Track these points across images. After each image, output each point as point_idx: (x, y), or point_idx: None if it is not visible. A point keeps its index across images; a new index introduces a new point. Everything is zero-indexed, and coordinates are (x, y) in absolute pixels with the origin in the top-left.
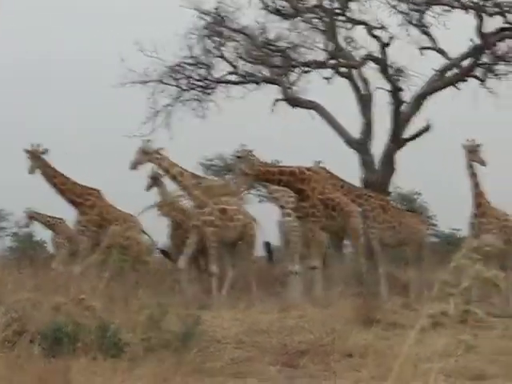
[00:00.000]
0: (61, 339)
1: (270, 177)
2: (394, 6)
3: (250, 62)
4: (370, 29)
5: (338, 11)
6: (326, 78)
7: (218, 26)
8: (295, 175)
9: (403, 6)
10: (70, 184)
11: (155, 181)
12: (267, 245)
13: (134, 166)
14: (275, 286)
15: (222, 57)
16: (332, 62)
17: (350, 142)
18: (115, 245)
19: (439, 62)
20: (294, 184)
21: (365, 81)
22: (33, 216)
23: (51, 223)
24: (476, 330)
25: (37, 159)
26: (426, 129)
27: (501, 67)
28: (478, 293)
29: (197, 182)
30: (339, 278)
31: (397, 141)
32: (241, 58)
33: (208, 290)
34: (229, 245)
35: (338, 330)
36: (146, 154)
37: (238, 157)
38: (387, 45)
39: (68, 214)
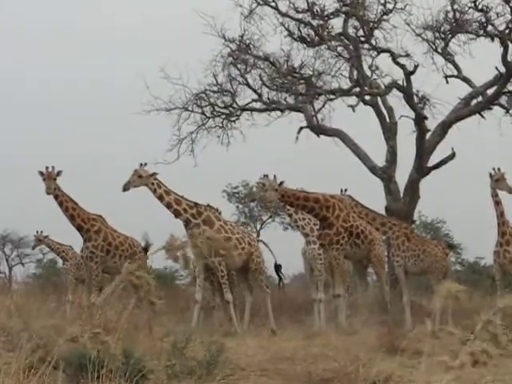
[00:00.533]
0: (85, 366)
1: (294, 201)
2: (419, 35)
3: (274, 89)
4: (394, 57)
5: (362, 39)
6: (351, 106)
7: (242, 54)
8: (320, 202)
9: (428, 34)
10: (78, 209)
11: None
12: (278, 267)
13: (126, 187)
14: (299, 314)
15: (246, 84)
16: (357, 89)
17: (374, 169)
18: (127, 282)
19: (464, 90)
20: (318, 211)
21: (389, 109)
22: (42, 240)
23: (60, 250)
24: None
25: (51, 182)
26: (451, 157)
27: None
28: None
29: (197, 211)
30: (363, 306)
31: (421, 169)
32: (265, 85)
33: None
34: (241, 272)
35: (362, 358)
36: (140, 178)
37: (263, 185)
38: (412, 73)
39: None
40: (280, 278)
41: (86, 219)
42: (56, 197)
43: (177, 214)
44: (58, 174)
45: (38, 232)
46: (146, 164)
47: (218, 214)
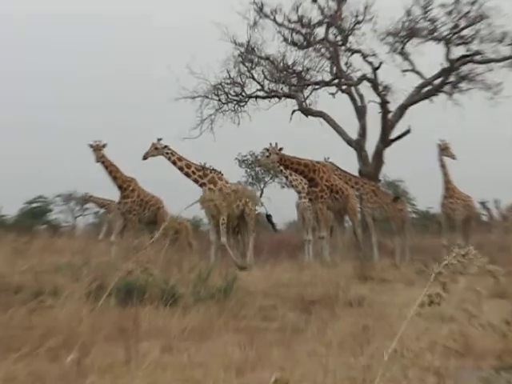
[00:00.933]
0: (132, 292)
1: (289, 164)
2: (382, 39)
3: (273, 81)
4: (364, 56)
5: (340, 43)
6: (331, 94)
7: (249, 55)
8: (308, 166)
9: (390, 39)
10: (119, 173)
11: None
12: (269, 217)
13: (145, 157)
14: (294, 251)
15: (252, 78)
16: (336, 81)
17: (349, 142)
18: (171, 228)
19: (417, 80)
20: (307, 173)
21: (360, 96)
22: (88, 199)
23: (105, 204)
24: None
25: (99, 152)
26: (407, 132)
27: (463, 85)
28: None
29: (203, 173)
30: (342, 245)
31: (385, 141)
32: (266, 78)
33: (242, 255)
34: (242, 220)
35: (341, 284)
36: (157, 149)
37: (267, 149)
38: (377, 68)
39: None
40: (272, 225)
41: (125, 180)
42: (102, 163)
43: (187, 175)
44: (104, 145)
45: (84, 194)
46: (161, 139)
47: (221, 175)
